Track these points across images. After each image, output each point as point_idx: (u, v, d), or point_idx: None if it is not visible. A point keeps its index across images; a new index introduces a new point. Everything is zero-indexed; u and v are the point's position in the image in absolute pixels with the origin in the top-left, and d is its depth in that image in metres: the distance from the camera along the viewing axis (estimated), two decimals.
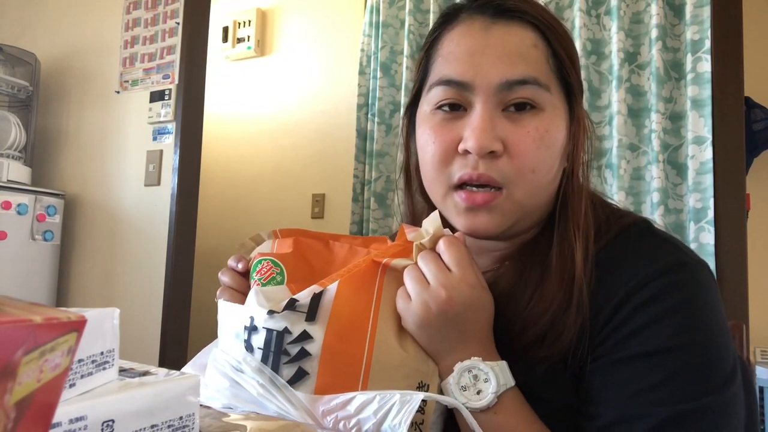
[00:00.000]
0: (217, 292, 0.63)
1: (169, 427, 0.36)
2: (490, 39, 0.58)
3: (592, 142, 0.65)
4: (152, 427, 0.35)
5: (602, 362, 0.54)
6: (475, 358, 0.52)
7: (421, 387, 0.52)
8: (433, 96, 0.61)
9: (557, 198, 0.63)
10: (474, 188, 0.58)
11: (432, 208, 0.66)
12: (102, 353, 0.37)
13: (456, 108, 0.59)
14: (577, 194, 0.61)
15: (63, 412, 0.31)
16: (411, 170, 0.70)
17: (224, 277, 0.64)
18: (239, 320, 0.55)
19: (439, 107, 0.60)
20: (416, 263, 0.54)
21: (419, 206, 0.72)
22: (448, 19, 0.63)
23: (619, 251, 0.58)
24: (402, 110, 2.28)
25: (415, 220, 0.70)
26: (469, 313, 0.53)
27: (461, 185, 0.59)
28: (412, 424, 0.49)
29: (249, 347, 0.53)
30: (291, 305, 0.51)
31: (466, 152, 0.57)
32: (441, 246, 0.54)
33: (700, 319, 0.53)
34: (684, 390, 0.50)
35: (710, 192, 1.68)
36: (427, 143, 0.60)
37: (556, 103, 0.59)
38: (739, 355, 0.57)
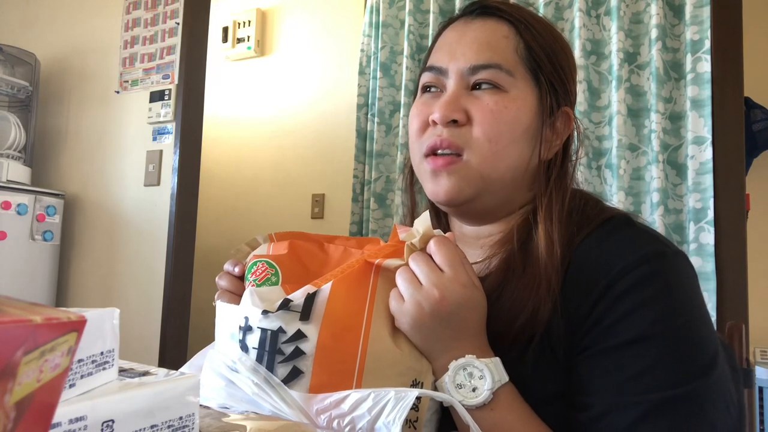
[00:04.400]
0: (215, 296, 0.64)
1: (169, 427, 0.36)
2: (467, 31, 0.68)
3: (581, 141, 0.70)
4: (152, 427, 0.35)
5: (589, 353, 0.56)
6: (470, 355, 0.53)
7: (415, 385, 0.52)
8: (421, 82, 0.71)
9: (539, 188, 0.67)
10: (438, 154, 0.65)
11: (431, 205, 0.72)
12: (102, 353, 0.37)
13: (436, 90, 0.68)
14: (557, 185, 0.65)
15: (63, 412, 0.31)
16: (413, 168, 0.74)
17: (221, 281, 0.65)
18: (234, 320, 0.55)
19: (425, 91, 0.70)
20: (407, 264, 0.55)
21: (418, 206, 0.76)
22: (445, 25, 0.73)
23: (600, 241, 0.60)
24: (402, 110, 2.28)
25: (413, 221, 0.71)
26: (462, 312, 0.53)
27: (430, 153, 0.66)
28: (406, 421, 0.49)
29: (244, 347, 0.53)
30: (285, 305, 0.52)
31: (435, 123, 0.65)
32: (432, 246, 0.55)
33: (680, 305, 0.55)
34: (670, 376, 0.52)
35: (710, 192, 1.68)
36: (412, 119, 0.69)
37: (522, 87, 0.65)
38: (723, 341, 0.59)
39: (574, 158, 0.70)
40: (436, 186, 0.65)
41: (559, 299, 0.57)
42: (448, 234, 0.57)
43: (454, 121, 0.63)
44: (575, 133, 0.70)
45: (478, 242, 0.69)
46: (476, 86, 0.65)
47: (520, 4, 0.71)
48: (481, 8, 0.69)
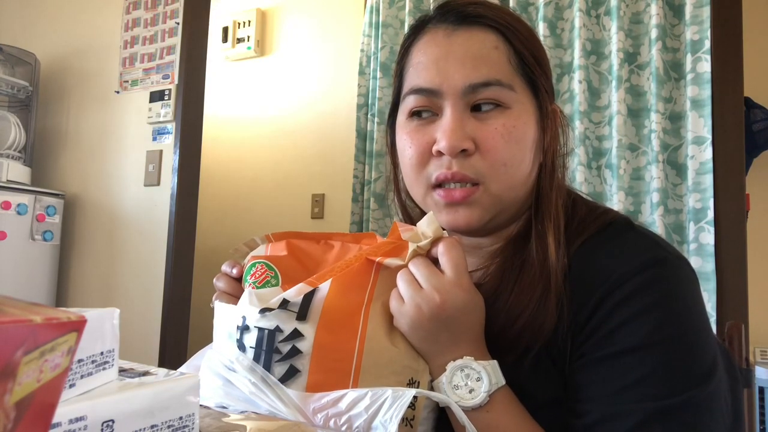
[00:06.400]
0: (213, 297, 0.64)
1: (168, 427, 0.36)
2: (453, 45, 0.62)
3: (567, 136, 0.68)
4: (152, 427, 0.35)
5: (587, 360, 0.55)
6: (468, 357, 0.53)
7: (412, 384, 0.52)
8: (407, 104, 0.65)
9: (535, 191, 0.65)
10: (451, 185, 0.62)
11: (422, 210, 0.69)
12: (102, 353, 0.37)
13: (429, 113, 0.63)
14: (551, 186, 0.64)
15: (63, 412, 0.31)
16: (398, 178, 0.73)
17: (219, 283, 0.65)
18: (232, 320, 0.55)
19: (413, 114, 0.64)
20: (408, 266, 0.55)
21: (411, 211, 0.74)
22: (416, 30, 0.67)
23: (600, 246, 0.60)
24: None
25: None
26: (463, 316, 0.53)
27: (438, 184, 0.62)
28: (403, 419, 0.49)
29: (241, 346, 0.53)
30: (284, 305, 0.52)
31: (440, 153, 0.61)
32: (441, 248, 0.55)
33: (679, 314, 0.54)
34: (667, 385, 0.51)
35: (710, 192, 1.68)
36: (405, 148, 0.65)
37: (523, 100, 0.62)
38: (723, 346, 0.59)
39: (564, 151, 0.68)
40: (452, 216, 0.62)
41: (563, 307, 0.57)
42: (455, 236, 0.57)
43: (463, 151, 0.60)
44: (561, 127, 0.68)
45: (479, 251, 0.68)
46: (477, 106, 0.61)
47: (492, 1, 0.66)
48: (460, 16, 0.63)
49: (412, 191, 0.67)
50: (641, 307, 0.54)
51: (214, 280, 0.65)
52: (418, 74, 0.64)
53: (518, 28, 0.64)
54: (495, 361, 0.54)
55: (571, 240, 0.60)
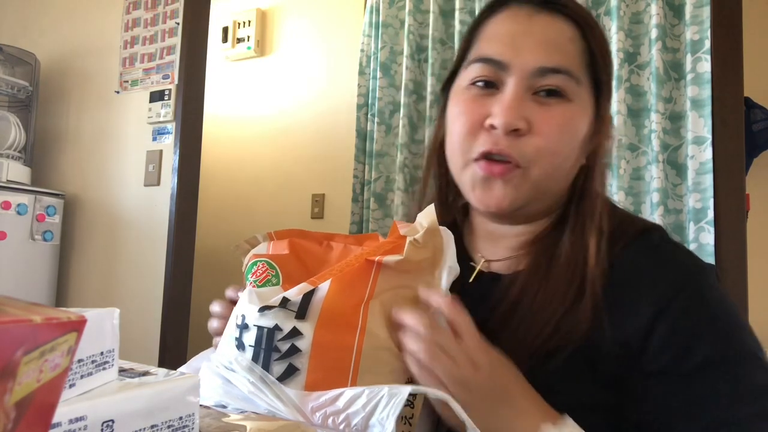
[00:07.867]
0: (207, 324, 0.63)
1: (168, 427, 0.36)
2: (533, 26, 0.61)
3: (612, 143, 0.68)
4: (152, 427, 0.35)
5: (671, 377, 0.54)
6: (545, 425, 0.50)
7: (411, 382, 0.52)
8: (470, 72, 0.63)
9: (572, 192, 0.65)
10: (495, 157, 0.60)
11: (441, 192, 0.69)
12: (102, 353, 0.37)
13: (490, 86, 0.62)
14: (594, 192, 0.63)
15: (63, 412, 0.31)
16: (438, 145, 0.71)
17: (216, 307, 0.63)
18: (231, 320, 0.55)
19: (474, 83, 0.63)
20: (418, 307, 0.53)
21: (430, 194, 0.73)
22: (495, 6, 0.66)
23: (642, 256, 0.59)
24: (402, 110, 2.28)
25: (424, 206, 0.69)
26: (498, 378, 0.51)
27: (482, 158, 0.60)
28: (401, 418, 0.49)
29: (240, 345, 0.53)
30: (284, 303, 0.52)
31: (492, 127, 0.59)
32: (448, 314, 0.52)
33: (734, 319, 0.55)
34: (756, 388, 0.52)
35: (710, 192, 1.68)
36: (458, 115, 0.63)
37: (584, 97, 0.62)
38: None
39: (605, 160, 0.67)
40: (486, 194, 0.61)
41: (602, 312, 0.56)
42: (453, 297, 0.54)
43: (515, 130, 0.58)
44: (606, 134, 0.67)
45: (505, 241, 0.67)
46: (540, 91, 0.60)
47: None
48: (544, 0, 0.63)
49: (452, 161, 0.65)
50: (704, 321, 0.54)
51: (211, 306, 0.63)
52: (490, 44, 0.63)
53: (594, 26, 0.64)
54: (570, 420, 0.51)
55: (610, 245, 0.60)
